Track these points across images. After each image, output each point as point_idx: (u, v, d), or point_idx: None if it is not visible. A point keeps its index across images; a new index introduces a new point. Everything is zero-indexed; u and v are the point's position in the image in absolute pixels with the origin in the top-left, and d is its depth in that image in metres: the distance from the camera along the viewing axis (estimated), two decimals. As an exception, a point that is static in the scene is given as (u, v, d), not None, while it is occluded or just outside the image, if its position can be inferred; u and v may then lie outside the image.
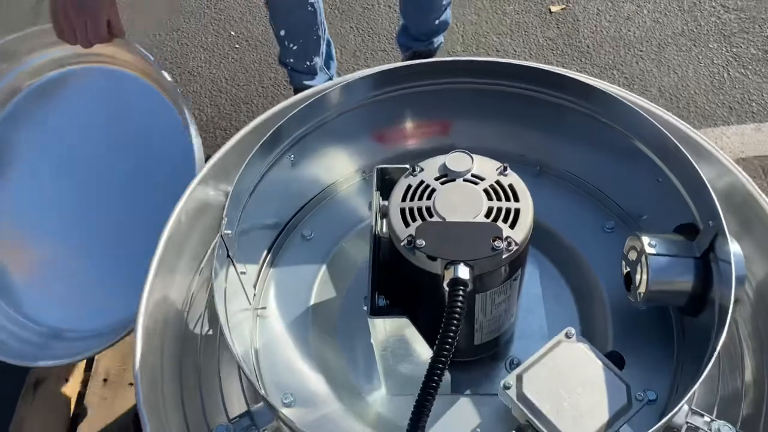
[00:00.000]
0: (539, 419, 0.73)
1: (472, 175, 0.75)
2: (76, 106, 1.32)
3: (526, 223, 0.71)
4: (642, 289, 0.79)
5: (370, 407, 0.86)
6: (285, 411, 0.81)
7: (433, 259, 0.68)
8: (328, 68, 1.79)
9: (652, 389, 0.81)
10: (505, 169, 0.75)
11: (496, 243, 0.68)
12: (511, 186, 0.74)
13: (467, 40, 2.07)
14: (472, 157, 0.76)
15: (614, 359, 0.79)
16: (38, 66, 1.34)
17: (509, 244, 0.68)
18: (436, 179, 0.75)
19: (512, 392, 0.75)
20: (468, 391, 0.86)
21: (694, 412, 0.74)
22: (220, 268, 0.79)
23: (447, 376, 0.82)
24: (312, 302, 0.94)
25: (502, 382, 0.76)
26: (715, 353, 0.66)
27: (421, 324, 0.74)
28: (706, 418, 0.74)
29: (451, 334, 0.64)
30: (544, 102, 0.96)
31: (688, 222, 0.82)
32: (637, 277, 0.80)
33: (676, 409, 0.64)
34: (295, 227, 1.01)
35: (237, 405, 0.88)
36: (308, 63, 1.68)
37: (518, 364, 0.85)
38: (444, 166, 0.76)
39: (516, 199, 0.73)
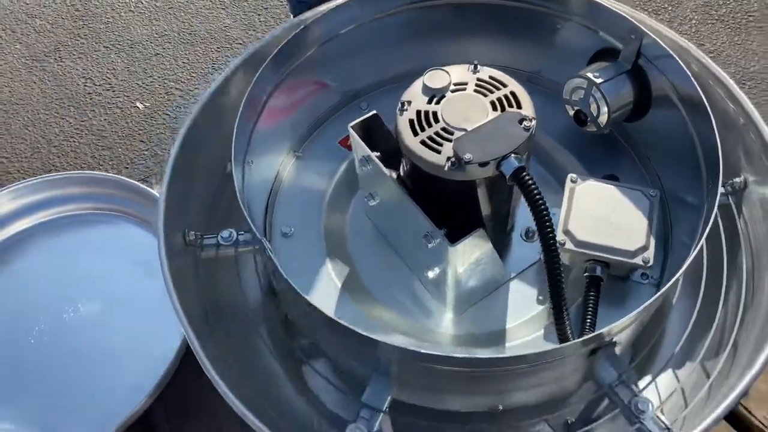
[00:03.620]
0: (602, 251, 0.83)
1: (455, 84, 0.79)
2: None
3: (527, 99, 0.78)
4: (604, 116, 0.92)
5: (445, 335, 0.89)
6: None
7: (485, 164, 0.72)
8: None
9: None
10: (475, 67, 0.81)
11: (525, 124, 0.74)
12: (491, 77, 0.80)
13: None
14: (444, 69, 0.80)
15: (613, 179, 0.92)
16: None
17: (531, 120, 0.75)
18: (429, 102, 0.78)
19: (569, 244, 0.84)
20: (513, 274, 0.93)
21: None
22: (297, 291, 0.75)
23: (501, 269, 0.89)
24: (339, 285, 0.92)
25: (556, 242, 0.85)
26: (717, 140, 0.80)
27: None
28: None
29: (546, 213, 0.70)
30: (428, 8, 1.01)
31: (599, 49, 0.96)
32: (593, 108, 0.93)
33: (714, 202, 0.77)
34: (272, 230, 0.97)
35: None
36: None
37: (534, 233, 0.95)
38: (427, 88, 0.79)
39: (504, 85, 0.79)
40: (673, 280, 0.70)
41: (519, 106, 0.77)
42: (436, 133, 0.76)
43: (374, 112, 0.85)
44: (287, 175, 1.02)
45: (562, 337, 0.74)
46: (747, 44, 1.85)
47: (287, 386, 0.95)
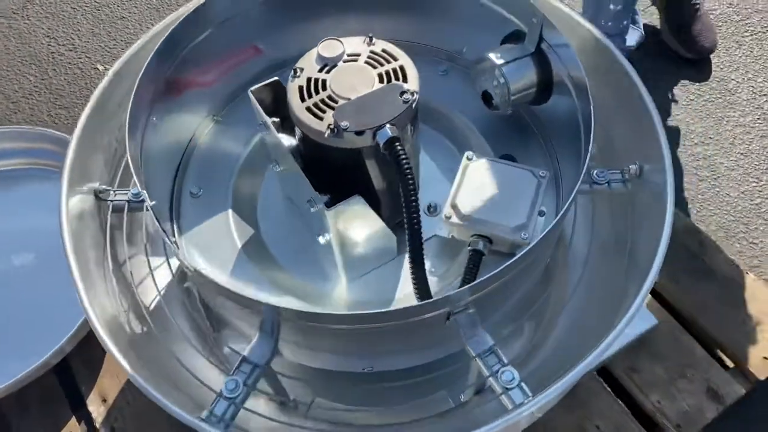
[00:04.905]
0: (485, 226, 0.86)
1: (348, 55, 0.82)
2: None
3: (413, 74, 0.80)
4: (505, 97, 0.94)
5: (341, 299, 0.93)
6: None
7: (361, 133, 0.75)
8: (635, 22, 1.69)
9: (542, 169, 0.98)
10: (371, 39, 0.83)
11: (404, 97, 0.77)
12: (384, 50, 0.82)
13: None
14: (339, 40, 0.82)
15: (510, 158, 0.95)
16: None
17: (412, 94, 0.78)
18: (320, 71, 0.81)
19: (455, 219, 0.88)
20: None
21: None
22: (170, 245, 0.78)
23: (393, 240, 0.92)
24: (239, 245, 0.95)
25: (442, 215, 0.88)
26: (592, 123, 0.83)
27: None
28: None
29: (411, 180, 0.73)
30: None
31: (510, 32, 0.98)
32: (496, 89, 0.95)
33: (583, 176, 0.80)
34: (181, 190, 1.00)
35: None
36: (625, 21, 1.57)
37: (436, 207, 0.98)
38: (321, 57, 0.81)
39: (395, 59, 0.82)
40: (521, 254, 0.73)
41: (405, 80, 0.79)
42: (322, 101, 0.78)
43: (276, 78, 0.88)
44: (204, 138, 1.05)
45: (421, 296, 0.78)
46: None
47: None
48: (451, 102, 1.07)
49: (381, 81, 0.79)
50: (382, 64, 0.81)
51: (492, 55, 0.93)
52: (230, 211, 0.98)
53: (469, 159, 0.92)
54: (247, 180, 1.02)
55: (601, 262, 0.97)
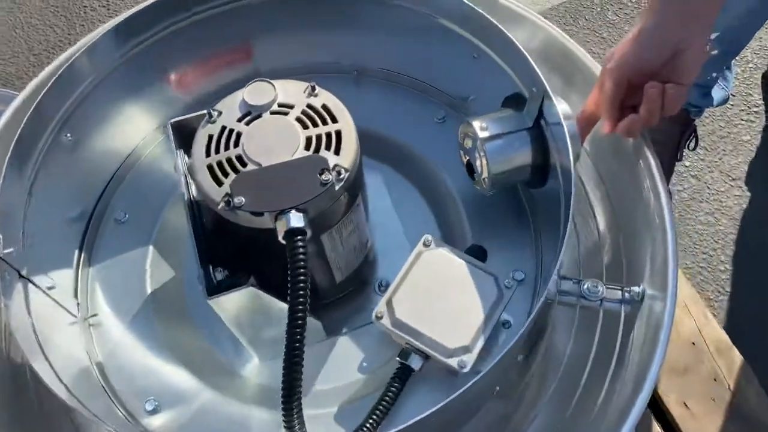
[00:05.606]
0: (418, 339, 0.69)
1: (279, 105, 0.66)
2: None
3: (351, 144, 0.63)
4: (485, 174, 0.76)
5: (248, 381, 0.78)
6: (151, 420, 0.72)
7: (260, 214, 0.59)
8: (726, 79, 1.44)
9: (519, 269, 0.79)
10: (313, 89, 0.66)
11: (324, 177, 0.60)
12: (324, 107, 0.65)
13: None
14: (272, 84, 0.66)
15: (476, 253, 0.77)
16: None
17: (339, 173, 0.61)
18: (240, 120, 0.65)
19: (386, 321, 0.71)
20: (345, 329, 0.80)
21: (562, 278, 0.74)
22: (12, 295, 0.65)
23: (317, 323, 0.76)
24: (149, 290, 0.82)
25: (374, 314, 0.71)
26: (570, 218, 0.64)
27: (272, 281, 0.66)
28: (573, 281, 0.75)
29: (301, 291, 0.57)
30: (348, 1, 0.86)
31: (513, 93, 0.79)
32: (478, 163, 0.77)
33: (549, 285, 0.62)
34: (104, 213, 0.87)
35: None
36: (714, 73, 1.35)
37: (387, 285, 0.81)
38: (244, 103, 0.65)
39: (334, 120, 0.65)
40: (454, 396, 0.55)
41: (336, 152, 0.62)
42: (228, 160, 0.63)
43: (204, 111, 0.72)
44: (147, 154, 0.91)
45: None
46: None
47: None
48: (440, 157, 0.88)
49: (307, 147, 0.63)
50: (315, 125, 0.64)
51: (477, 124, 0.74)
52: (151, 244, 0.85)
53: (426, 245, 0.74)
54: (183, 211, 0.88)
55: (580, 370, 0.78)
